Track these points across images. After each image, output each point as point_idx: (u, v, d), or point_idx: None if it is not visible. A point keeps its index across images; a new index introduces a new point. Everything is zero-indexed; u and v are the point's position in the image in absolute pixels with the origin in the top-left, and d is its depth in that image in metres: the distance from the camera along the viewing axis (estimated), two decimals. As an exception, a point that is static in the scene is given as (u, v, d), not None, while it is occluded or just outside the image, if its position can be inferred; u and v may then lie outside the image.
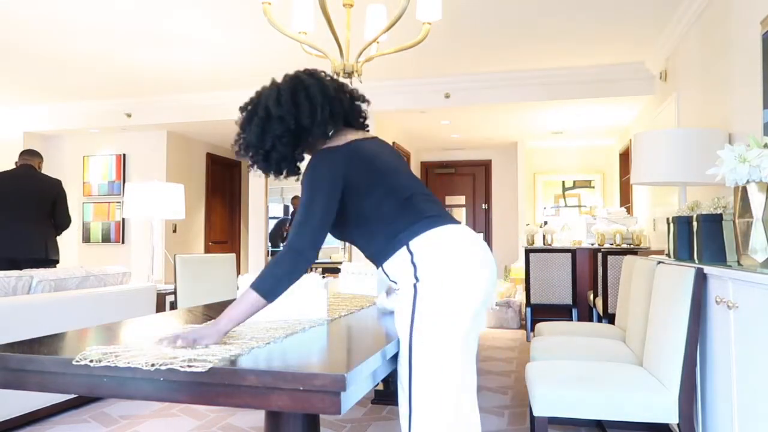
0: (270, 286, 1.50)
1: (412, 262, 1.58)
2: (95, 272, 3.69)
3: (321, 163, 1.63)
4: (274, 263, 1.54)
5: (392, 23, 2.60)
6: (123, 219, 7.21)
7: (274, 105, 1.64)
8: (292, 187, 6.91)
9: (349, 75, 2.86)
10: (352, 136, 1.72)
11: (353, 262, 3.01)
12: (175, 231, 7.34)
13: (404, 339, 1.57)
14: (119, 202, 7.20)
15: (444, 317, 1.53)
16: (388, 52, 2.95)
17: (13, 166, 4.75)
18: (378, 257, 1.69)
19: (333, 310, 2.17)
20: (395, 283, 1.69)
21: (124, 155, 7.30)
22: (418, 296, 1.55)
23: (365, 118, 1.85)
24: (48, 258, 4.55)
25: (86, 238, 7.41)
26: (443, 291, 1.55)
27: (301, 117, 1.64)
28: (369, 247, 1.71)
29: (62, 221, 4.74)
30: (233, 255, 4.59)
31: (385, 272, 1.70)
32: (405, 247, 1.60)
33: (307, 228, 1.55)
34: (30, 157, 4.75)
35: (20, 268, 3.49)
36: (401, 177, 1.72)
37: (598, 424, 2.96)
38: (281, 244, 6.82)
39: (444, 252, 1.58)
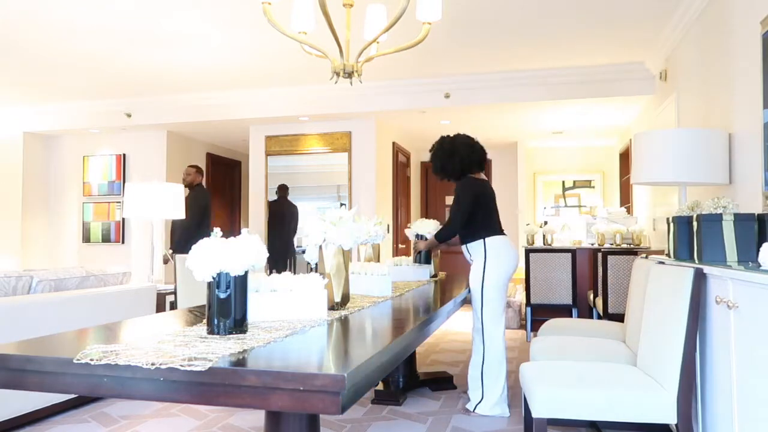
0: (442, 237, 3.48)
1: (484, 248, 3.35)
2: (95, 272, 3.68)
3: (469, 185, 3.40)
4: (443, 229, 3.47)
5: (392, 23, 2.60)
6: (123, 219, 7.22)
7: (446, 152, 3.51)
8: (291, 187, 6.91)
9: (349, 75, 2.86)
10: (480, 176, 3.51)
11: (361, 262, 2.98)
12: (175, 231, 7.33)
13: (478, 286, 3.31)
14: (119, 202, 7.20)
15: (496, 276, 3.31)
16: (387, 52, 2.95)
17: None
18: (466, 239, 3.41)
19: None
20: (470, 255, 3.43)
21: (124, 155, 7.30)
22: (486, 265, 3.31)
23: (483, 164, 3.55)
24: None
25: (86, 238, 7.41)
26: (496, 264, 3.32)
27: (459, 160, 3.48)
28: (465, 232, 3.39)
29: None
30: (233, 255, 4.57)
31: (467, 248, 3.43)
32: (482, 240, 3.36)
33: (458, 217, 3.34)
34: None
35: None
36: (491, 204, 3.44)
37: (598, 424, 2.96)
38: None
39: (498, 247, 3.36)
